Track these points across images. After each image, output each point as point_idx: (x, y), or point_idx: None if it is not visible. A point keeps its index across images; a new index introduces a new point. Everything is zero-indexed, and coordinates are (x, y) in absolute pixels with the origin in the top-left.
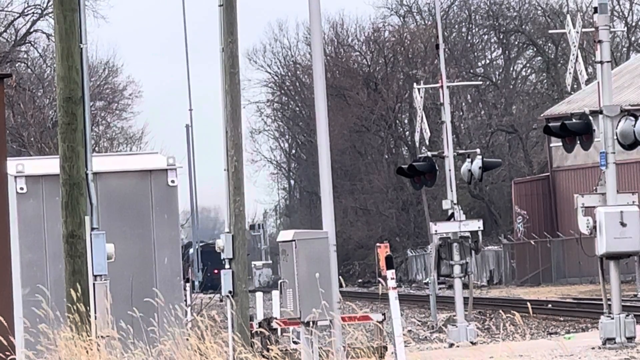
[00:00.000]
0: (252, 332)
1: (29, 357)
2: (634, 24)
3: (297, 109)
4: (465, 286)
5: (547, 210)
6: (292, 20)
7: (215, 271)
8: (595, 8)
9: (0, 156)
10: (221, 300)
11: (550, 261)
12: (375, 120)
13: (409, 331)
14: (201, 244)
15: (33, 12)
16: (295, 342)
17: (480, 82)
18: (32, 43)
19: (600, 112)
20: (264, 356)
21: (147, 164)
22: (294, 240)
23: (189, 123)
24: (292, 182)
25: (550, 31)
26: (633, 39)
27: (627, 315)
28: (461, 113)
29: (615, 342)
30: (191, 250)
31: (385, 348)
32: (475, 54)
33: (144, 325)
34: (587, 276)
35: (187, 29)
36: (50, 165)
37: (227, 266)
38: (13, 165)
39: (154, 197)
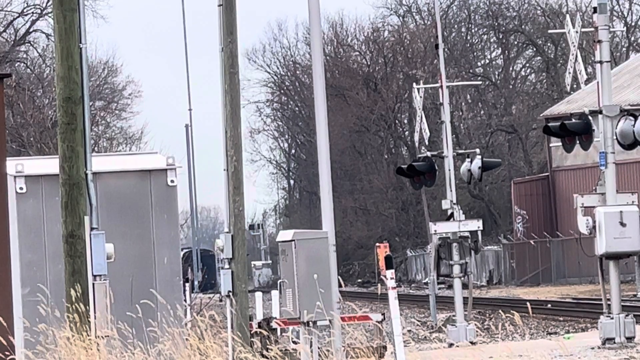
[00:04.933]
0: (252, 332)
1: (29, 357)
2: (633, 23)
3: (297, 108)
4: (464, 286)
5: (547, 210)
6: (292, 20)
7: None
8: (595, 8)
9: (0, 156)
10: (221, 300)
11: (550, 261)
12: (374, 120)
13: (409, 331)
14: (187, 250)
15: (32, 12)
16: (295, 342)
17: (480, 82)
18: (32, 43)
19: (600, 112)
20: (263, 356)
21: (147, 164)
22: (294, 240)
23: (188, 123)
24: (292, 182)
25: (549, 31)
26: (632, 38)
27: (626, 315)
28: (461, 113)
29: (614, 342)
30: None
31: (385, 348)
32: (475, 53)
33: (143, 325)
34: (586, 276)
35: (186, 29)
36: (49, 165)
37: (226, 266)
38: (13, 165)
39: (153, 197)
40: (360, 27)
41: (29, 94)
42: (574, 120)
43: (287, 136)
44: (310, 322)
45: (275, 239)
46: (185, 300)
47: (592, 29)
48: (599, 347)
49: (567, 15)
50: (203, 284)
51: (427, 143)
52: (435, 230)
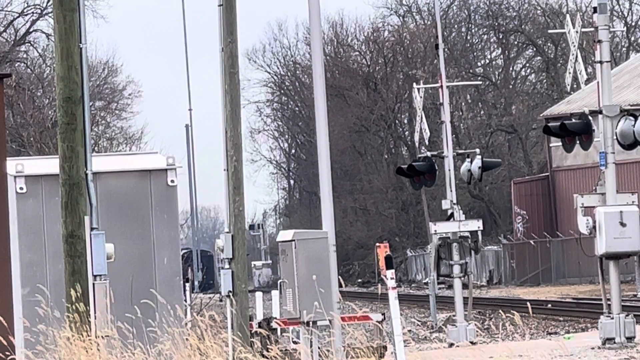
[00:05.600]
0: (252, 332)
1: (29, 357)
2: (633, 23)
3: (297, 108)
4: (464, 286)
5: (547, 210)
6: (292, 20)
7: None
8: (595, 8)
9: (0, 156)
10: (221, 300)
11: (550, 261)
12: (374, 120)
13: (409, 331)
14: (185, 250)
15: (33, 12)
16: (295, 342)
17: (480, 82)
18: (32, 43)
19: (600, 112)
20: (263, 356)
21: (147, 164)
22: (294, 240)
23: (188, 123)
24: (292, 182)
25: (549, 31)
26: (632, 38)
27: (626, 315)
28: (461, 113)
29: (614, 342)
30: None
31: (385, 348)
32: (475, 53)
33: (143, 325)
34: (586, 276)
35: (187, 29)
36: (49, 165)
37: (226, 266)
38: (13, 165)
39: (153, 197)
40: (360, 27)
41: (29, 94)
42: (574, 120)
43: (287, 136)
44: (311, 322)
45: (275, 239)
46: (185, 301)
47: (592, 29)
48: (599, 347)
49: (567, 15)
50: (202, 284)
51: (427, 143)
52: (436, 230)
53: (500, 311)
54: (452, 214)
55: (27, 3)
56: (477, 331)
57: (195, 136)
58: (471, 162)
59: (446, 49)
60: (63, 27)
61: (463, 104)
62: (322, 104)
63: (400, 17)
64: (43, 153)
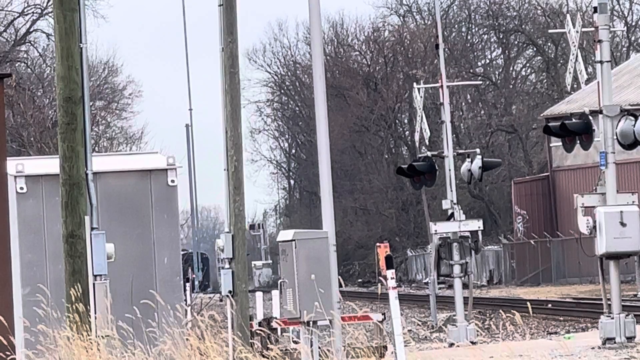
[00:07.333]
0: (252, 332)
1: (29, 357)
2: (633, 23)
3: (297, 108)
4: (465, 286)
5: (547, 210)
6: (292, 20)
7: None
8: (595, 8)
9: (0, 156)
10: (221, 300)
11: (550, 261)
12: (375, 120)
13: (409, 331)
14: (183, 252)
15: (33, 12)
16: (295, 342)
17: (480, 82)
18: (32, 43)
19: (600, 112)
20: (263, 356)
21: (147, 164)
22: (294, 240)
23: (188, 123)
24: (292, 182)
25: (550, 31)
26: (633, 38)
27: (627, 315)
28: (461, 113)
29: (615, 342)
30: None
31: (385, 348)
32: (475, 53)
33: (142, 325)
34: (586, 276)
35: (187, 28)
36: (50, 165)
37: (226, 266)
38: (13, 165)
39: (153, 197)
40: (361, 27)
41: (29, 94)
42: (574, 120)
43: (287, 136)
44: (311, 322)
45: (276, 239)
46: (185, 301)
47: (593, 29)
48: (599, 347)
49: (568, 15)
50: (200, 284)
51: (427, 143)
52: (436, 230)
53: (501, 311)
54: (452, 214)
55: (27, 3)
56: (477, 331)
57: (195, 136)
58: (471, 162)
59: (446, 49)
60: (63, 27)
61: (463, 103)
62: (322, 103)
63: (401, 17)
64: (43, 153)
